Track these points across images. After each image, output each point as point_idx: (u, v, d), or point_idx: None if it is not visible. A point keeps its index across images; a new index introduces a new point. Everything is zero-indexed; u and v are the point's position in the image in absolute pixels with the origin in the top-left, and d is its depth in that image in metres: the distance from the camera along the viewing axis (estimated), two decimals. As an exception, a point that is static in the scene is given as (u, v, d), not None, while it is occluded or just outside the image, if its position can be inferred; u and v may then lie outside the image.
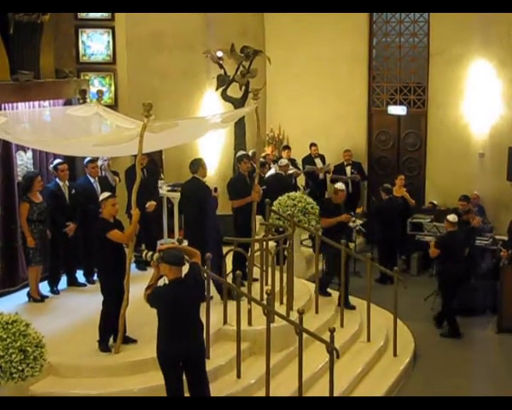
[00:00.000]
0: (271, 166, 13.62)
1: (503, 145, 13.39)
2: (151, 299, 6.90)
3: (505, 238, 12.98)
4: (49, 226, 9.76)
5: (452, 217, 11.07)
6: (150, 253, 7.18)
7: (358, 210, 13.94)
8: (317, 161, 14.62)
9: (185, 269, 7.07)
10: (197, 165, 9.61)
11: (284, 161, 13.30)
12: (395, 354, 9.64)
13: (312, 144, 14.64)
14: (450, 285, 10.74)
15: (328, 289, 10.73)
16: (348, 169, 14.59)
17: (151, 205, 10.91)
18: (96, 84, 11.90)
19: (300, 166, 14.48)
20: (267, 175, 12.97)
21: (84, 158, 10.32)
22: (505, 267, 10.98)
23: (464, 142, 14.13)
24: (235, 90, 13.01)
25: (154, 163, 11.61)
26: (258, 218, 10.93)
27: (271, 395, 7.77)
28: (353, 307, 10.35)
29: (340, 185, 11.03)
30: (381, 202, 12.96)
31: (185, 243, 8.58)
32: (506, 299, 10.82)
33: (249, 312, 8.64)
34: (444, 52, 14.11)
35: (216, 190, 10.47)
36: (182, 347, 6.83)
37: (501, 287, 10.96)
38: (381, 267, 11.18)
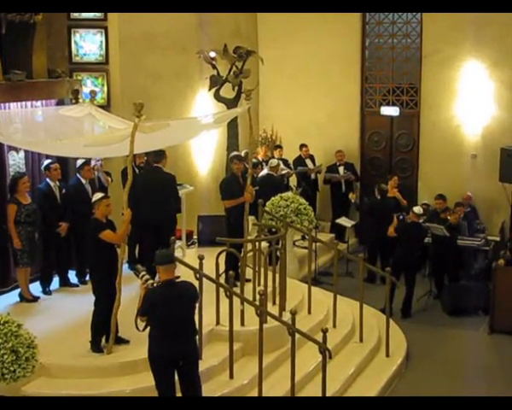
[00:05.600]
0: (263, 166, 13.60)
1: (495, 146, 13.39)
2: (144, 308, 6.87)
3: (497, 239, 13.06)
4: (39, 227, 9.74)
5: (418, 209, 11.67)
6: (146, 276, 7.12)
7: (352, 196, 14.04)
8: (308, 161, 14.59)
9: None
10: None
11: (274, 162, 13.25)
12: (387, 355, 9.65)
13: (303, 145, 14.61)
14: (397, 267, 11.06)
15: (324, 290, 10.80)
16: (341, 169, 14.57)
17: None
18: (88, 84, 11.86)
19: (292, 167, 14.46)
20: (259, 175, 12.96)
21: (77, 158, 10.29)
22: (498, 268, 10.99)
23: (457, 143, 14.16)
24: (227, 91, 13.01)
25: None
26: (251, 218, 10.94)
27: (264, 395, 7.78)
28: None
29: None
30: (374, 201, 13.03)
31: (178, 243, 8.59)
32: (498, 300, 10.84)
33: (242, 312, 8.63)
34: (436, 53, 14.12)
35: None
36: (174, 350, 6.81)
37: (493, 288, 10.97)
38: (373, 268, 11.23)
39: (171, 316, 6.79)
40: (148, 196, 9.90)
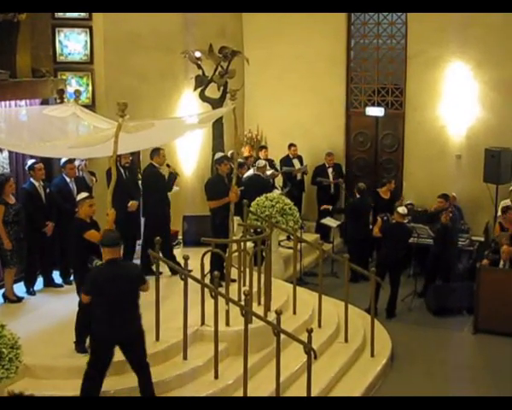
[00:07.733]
0: (250, 167, 13.59)
1: (479, 147, 13.46)
2: (87, 285, 7.02)
3: (481, 239, 13.10)
4: (24, 227, 9.69)
5: (402, 209, 11.71)
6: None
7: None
8: (295, 161, 14.61)
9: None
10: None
11: (262, 162, 13.25)
12: (372, 355, 9.66)
13: (291, 145, 14.62)
14: (382, 267, 11.16)
15: (310, 291, 10.83)
16: (330, 172, 14.58)
17: (133, 204, 10.87)
18: (73, 83, 11.82)
19: (278, 167, 14.47)
20: (245, 176, 12.95)
21: (61, 158, 10.25)
22: (482, 268, 11.04)
23: (441, 143, 14.21)
24: (213, 91, 13.00)
25: (134, 163, 11.60)
26: (236, 219, 10.93)
27: (249, 395, 7.77)
28: None
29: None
30: (354, 200, 13.14)
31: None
32: (482, 300, 10.87)
33: (227, 312, 8.63)
34: (421, 54, 14.16)
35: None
36: (119, 330, 6.96)
37: (477, 288, 11.01)
38: (358, 268, 11.22)
39: (116, 294, 6.89)
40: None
